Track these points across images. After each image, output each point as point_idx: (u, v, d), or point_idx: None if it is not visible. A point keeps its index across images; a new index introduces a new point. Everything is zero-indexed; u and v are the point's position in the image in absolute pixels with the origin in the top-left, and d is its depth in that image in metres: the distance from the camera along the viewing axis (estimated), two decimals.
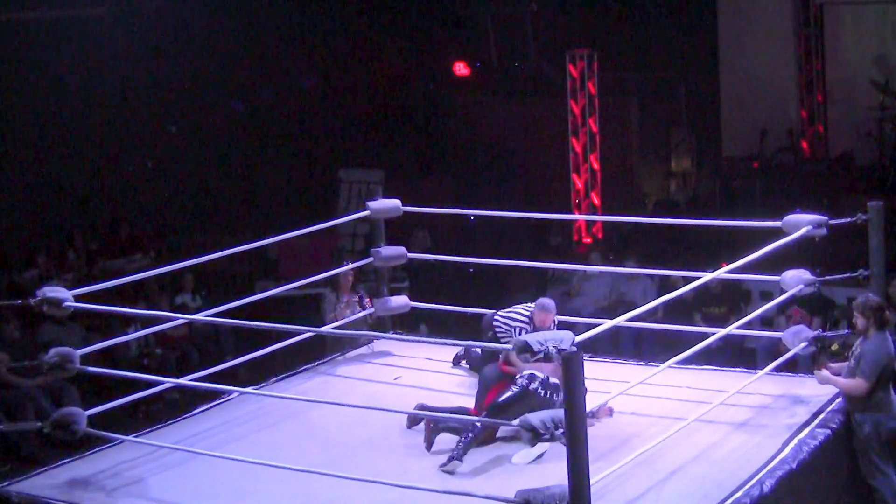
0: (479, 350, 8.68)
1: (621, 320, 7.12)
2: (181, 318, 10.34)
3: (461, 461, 7.34)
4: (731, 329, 8.58)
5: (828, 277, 8.72)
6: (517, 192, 18.09)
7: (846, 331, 9.07)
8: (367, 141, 19.00)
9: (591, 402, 6.22)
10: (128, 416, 9.26)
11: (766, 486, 6.87)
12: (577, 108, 17.72)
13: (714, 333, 8.11)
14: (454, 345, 8.41)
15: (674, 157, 18.94)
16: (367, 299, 10.87)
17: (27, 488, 7.47)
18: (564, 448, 6.09)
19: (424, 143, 20.04)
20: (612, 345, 11.76)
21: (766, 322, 11.90)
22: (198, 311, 12.23)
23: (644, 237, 15.62)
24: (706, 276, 8.31)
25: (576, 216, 17.47)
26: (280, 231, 9.48)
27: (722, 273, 8.41)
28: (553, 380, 7.64)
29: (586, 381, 6.08)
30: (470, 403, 8.08)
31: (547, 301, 8.52)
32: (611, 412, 7.95)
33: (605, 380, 7.92)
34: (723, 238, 13.58)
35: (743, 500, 6.72)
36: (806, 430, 7.63)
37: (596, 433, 7.04)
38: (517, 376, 7.73)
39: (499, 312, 8.68)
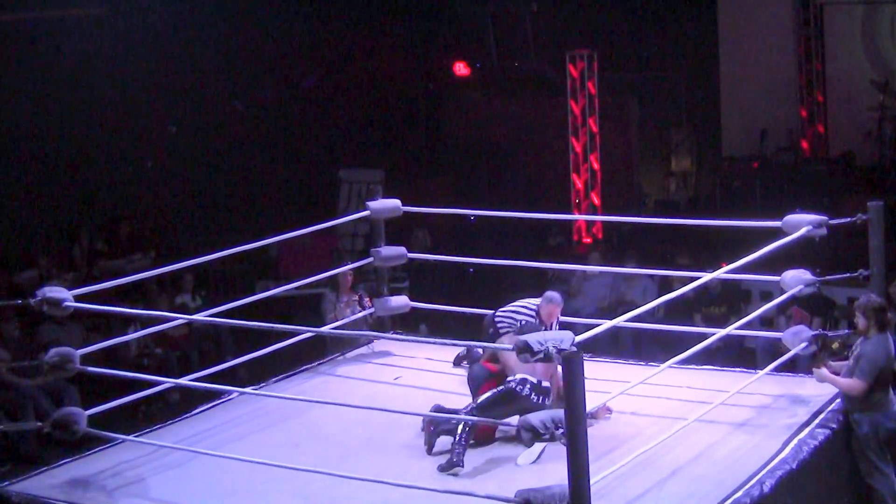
0: (480, 350, 8.69)
1: (621, 320, 7.12)
2: (181, 318, 10.32)
3: (462, 466, 7.33)
4: (731, 329, 8.59)
5: (828, 277, 8.73)
6: (517, 192, 18.08)
7: (846, 331, 9.08)
8: (367, 141, 18.99)
9: (591, 403, 6.21)
10: (128, 416, 9.24)
11: (766, 486, 6.87)
12: (577, 108, 17.72)
13: (714, 333, 8.12)
14: (454, 345, 8.42)
15: (674, 157, 18.94)
16: (366, 299, 10.87)
17: (27, 488, 7.47)
18: (564, 448, 6.09)
19: (424, 143, 20.04)
20: (612, 345, 11.75)
21: (766, 322, 11.90)
22: (198, 311, 12.23)
23: (644, 237, 15.62)
24: (706, 276, 8.31)
25: (576, 216, 17.46)
26: (280, 231, 9.48)
27: (722, 273, 8.41)
28: (546, 383, 7.64)
29: (586, 381, 6.08)
30: None
31: (555, 294, 8.55)
32: (609, 412, 7.95)
33: (605, 380, 7.92)
34: (723, 238, 13.58)
35: (743, 499, 6.72)
36: (806, 430, 7.64)
37: (596, 433, 7.04)
38: (508, 378, 7.73)
39: (499, 310, 8.68)
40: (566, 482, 6.08)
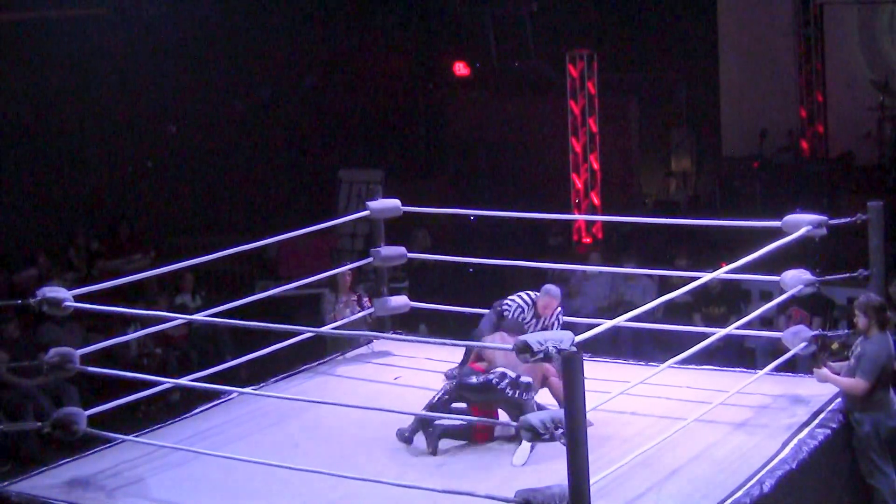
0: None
1: (621, 320, 7.12)
2: (181, 318, 10.33)
3: (411, 443, 7.69)
4: (731, 329, 8.59)
5: (828, 277, 8.72)
6: (517, 192, 18.07)
7: (846, 330, 9.08)
8: (367, 141, 18.99)
9: (591, 403, 6.22)
10: (128, 416, 9.25)
11: (766, 486, 6.88)
12: (577, 108, 17.72)
13: (714, 333, 8.12)
14: (454, 345, 8.42)
15: (674, 157, 18.94)
16: (365, 299, 10.87)
17: (27, 488, 7.47)
18: (564, 448, 6.09)
19: (424, 142, 20.04)
20: (611, 345, 11.75)
21: (766, 322, 11.90)
22: (198, 311, 12.22)
23: (644, 237, 15.62)
24: (706, 276, 8.31)
25: (576, 216, 17.46)
26: (280, 231, 9.48)
27: (722, 273, 8.41)
28: (525, 379, 7.65)
29: (586, 381, 6.08)
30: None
31: (553, 288, 8.58)
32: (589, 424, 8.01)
33: (604, 380, 7.92)
34: (723, 238, 13.58)
35: (743, 499, 6.72)
36: (806, 430, 7.64)
37: (596, 433, 7.04)
38: (489, 372, 7.75)
39: (505, 300, 8.73)
40: (566, 482, 6.08)
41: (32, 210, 15.81)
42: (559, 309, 8.68)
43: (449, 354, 9.35)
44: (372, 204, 9.86)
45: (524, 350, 6.26)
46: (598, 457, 6.69)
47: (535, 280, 9.15)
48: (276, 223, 10.95)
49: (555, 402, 7.78)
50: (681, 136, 18.90)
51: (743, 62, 18.35)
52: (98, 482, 7.50)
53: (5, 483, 7.60)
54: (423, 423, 7.77)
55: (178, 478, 7.50)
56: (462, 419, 7.68)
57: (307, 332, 8.99)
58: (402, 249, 10.09)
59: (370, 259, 10.10)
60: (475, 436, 7.78)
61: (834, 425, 7.75)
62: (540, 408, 7.79)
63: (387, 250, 9.96)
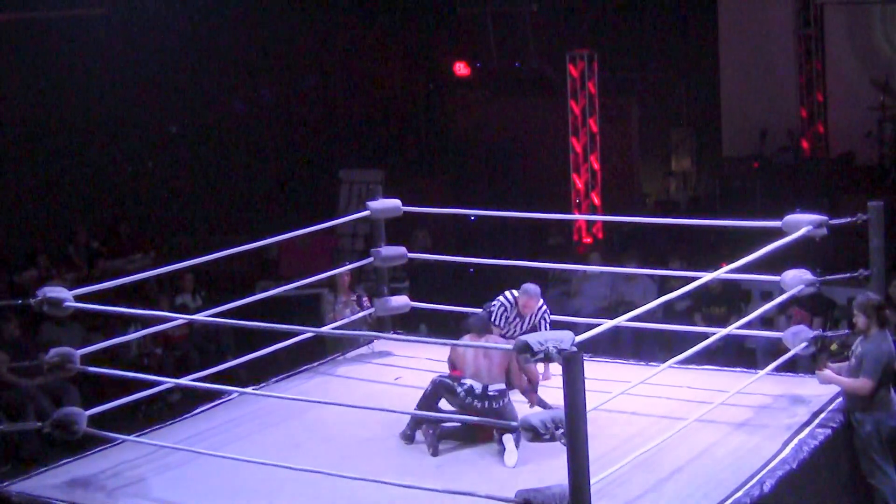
0: None
1: (621, 320, 7.12)
2: (181, 318, 10.32)
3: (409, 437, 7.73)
4: (731, 329, 8.58)
5: (828, 277, 8.72)
6: (517, 192, 18.08)
7: (846, 331, 9.08)
8: (367, 141, 19.00)
9: (591, 403, 6.22)
10: (128, 416, 9.25)
11: (767, 486, 6.87)
12: (577, 108, 17.72)
13: (714, 333, 8.12)
14: (454, 345, 8.41)
15: (674, 157, 18.95)
16: (365, 299, 10.86)
17: (27, 488, 7.47)
18: (565, 448, 6.09)
19: (424, 142, 20.04)
20: (611, 345, 11.75)
21: (766, 322, 11.90)
22: (198, 311, 12.23)
23: (644, 237, 15.61)
24: (706, 276, 8.31)
25: (576, 216, 17.46)
26: (280, 231, 9.48)
27: (722, 273, 8.41)
28: (495, 387, 7.67)
29: (586, 381, 6.08)
30: None
31: (531, 286, 8.58)
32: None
33: (605, 380, 7.92)
34: (723, 238, 13.57)
35: (743, 499, 6.72)
36: (806, 430, 7.63)
37: (596, 433, 7.03)
38: (459, 383, 7.77)
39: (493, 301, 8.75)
40: (566, 482, 6.08)
41: (32, 210, 15.82)
42: (544, 307, 8.69)
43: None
44: (372, 204, 9.86)
45: (524, 350, 6.26)
46: (599, 457, 6.68)
47: (535, 280, 9.14)
48: (276, 223, 10.95)
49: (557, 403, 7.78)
50: (681, 136, 18.91)
51: (743, 62, 18.36)
52: (98, 482, 7.50)
53: (5, 483, 7.60)
54: (419, 422, 7.78)
55: (179, 478, 7.50)
56: (459, 419, 7.68)
57: (307, 332, 8.99)
58: (403, 249, 10.09)
59: (370, 259, 10.10)
60: (477, 436, 7.79)
61: (834, 425, 7.75)
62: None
63: (387, 250, 9.95)
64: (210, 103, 17.57)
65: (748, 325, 9.15)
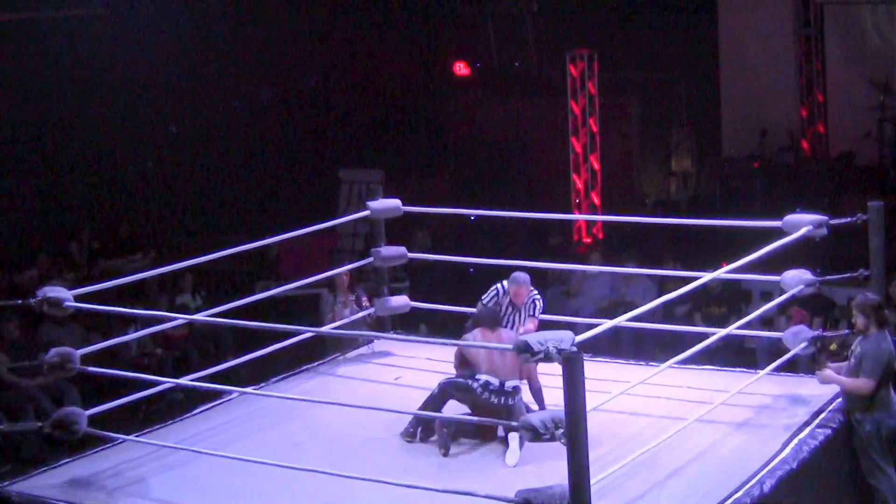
0: None
1: (621, 320, 7.12)
2: (181, 318, 10.31)
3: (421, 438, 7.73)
4: (731, 329, 8.58)
5: (828, 277, 8.72)
6: (517, 192, 18.09)
7: (846, 331, 9.07)
8: (367, 141, 19.00)
9: (591, 403, 6.21)
10: (128, 416, 9.25)
11: (766, 486, 6.87)
12: (577, 108, 17.72)
13: (714, 333, 8.12)
14: (454, 345, 8.42)
15: (674, 157, 18.95)
16: (364, 299, 10.86)
17: (27, 488, 7.47)
18: (565, 448, 6.09)
19: (424, 143, 20.05)
20: (611, 345, 11.75)
21: (766, 322, 11.90)
22: (198, 311, 12.23)
23: (644, 237, 15.61)
24: (706, 276, 8.31)
25: (576, 216, 17.47)
26: (280, 231, 9.48)
27: (722, 273, 8.41)
28: (511, 383, 7.67)
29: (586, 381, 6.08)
30: None
31: (520, 274, 8.53)
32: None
33: (605, 380, 7.92)
34: (723, 238, 13.56)
35: (743, 499, 6.72)
36: (806, 430, 7.63)
37: (596, 433, 7.03)
38: (474, 379, 7.76)
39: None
40: (566, 482, 6.08)
41: (32, 210, 15.83)
42: (537, 296, 8.65)
43: (449, 354, 9.32)
44: (372, 204, 9.86)
45: (524, 350, 6.26)
46: (599, 457, 6.69)
47: (535, 280, 9.13)
48: (276, 223, 10.95)
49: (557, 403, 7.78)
50: (681, 136, 18.92)
51: (743, 62, 18.36)
52: (98, 482, 7.50)
53: (5, 483, 7.60)
54: (428, 422, 7.77)
55: (179, 478, 7.49)
56: (459, 419, 7.68)
57: (307, 332, 8.99)
58: (403, 249, 10.09)
59: (370, 259, 10.09)
60: (488, 434, 7.79)
61: (834, 425, 7.75)
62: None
63: (387, 250, 9.95)
64: (210, 103, 17.57)
65: (748, 325, 9.15)
